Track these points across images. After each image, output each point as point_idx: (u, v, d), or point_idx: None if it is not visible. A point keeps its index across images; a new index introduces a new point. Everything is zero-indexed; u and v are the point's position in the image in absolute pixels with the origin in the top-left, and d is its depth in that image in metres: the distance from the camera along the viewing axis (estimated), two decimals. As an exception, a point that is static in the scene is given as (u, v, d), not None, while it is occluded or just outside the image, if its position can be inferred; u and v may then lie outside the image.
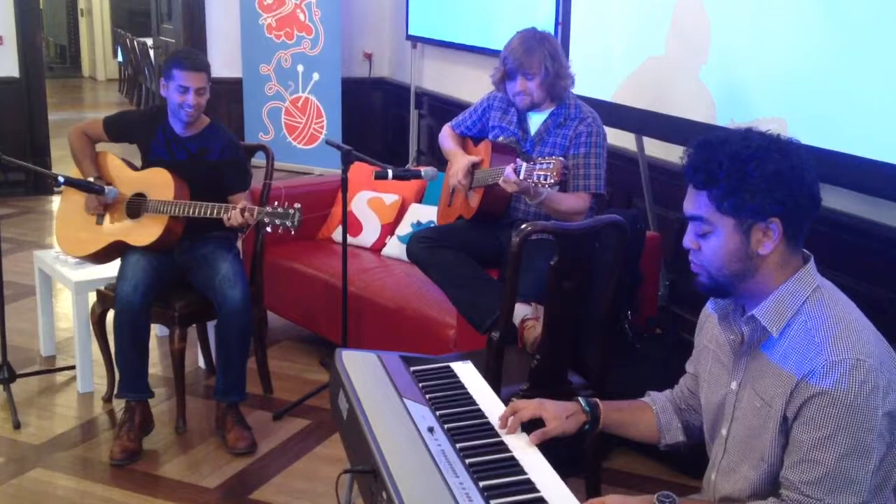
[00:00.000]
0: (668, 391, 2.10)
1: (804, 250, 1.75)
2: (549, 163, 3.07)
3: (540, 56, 3.43)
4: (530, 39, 3.47)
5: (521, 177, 3.12)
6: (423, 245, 3.56)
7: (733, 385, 1.82)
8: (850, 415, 1.59)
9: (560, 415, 1.96)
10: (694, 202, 1.74)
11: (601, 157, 3.47)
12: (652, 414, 2.06)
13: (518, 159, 3.28)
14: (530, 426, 1.93)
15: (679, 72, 3.75)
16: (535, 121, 3.56)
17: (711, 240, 1.72)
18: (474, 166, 3.57)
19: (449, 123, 3.86)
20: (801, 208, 1.68)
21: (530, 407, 1.94)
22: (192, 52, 3.65)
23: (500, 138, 3.60)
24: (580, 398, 2.02)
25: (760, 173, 1.65)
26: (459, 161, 3.62)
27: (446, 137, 3.83)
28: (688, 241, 1.77)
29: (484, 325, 3.25)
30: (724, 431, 1.84)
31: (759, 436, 1.73)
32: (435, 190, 4.35)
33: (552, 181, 3.06)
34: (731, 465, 1.81)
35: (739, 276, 1.72)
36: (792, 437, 1.66)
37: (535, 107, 3.52)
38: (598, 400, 2.03)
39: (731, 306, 1.83)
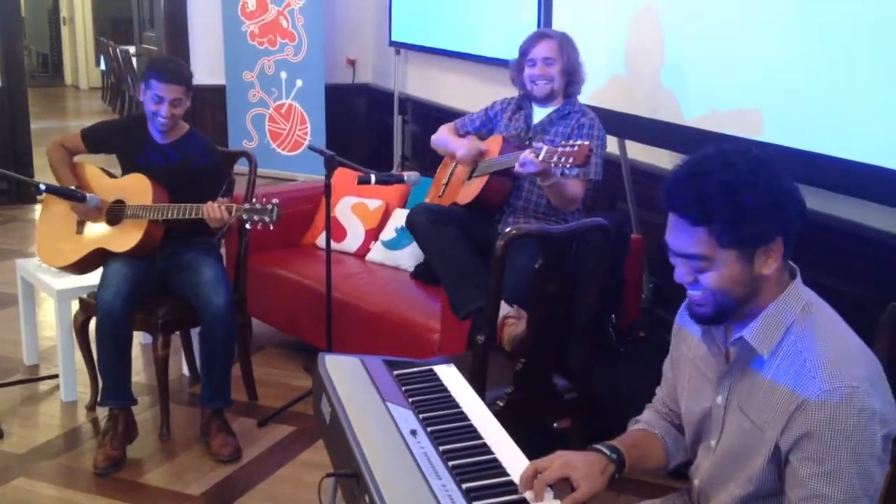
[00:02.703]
0: (652, 412, 2.04)
1: (790, 262, 1.71)
2: (575, 146, 3.12)
3: (558, 44, 3.56)
4: (548, 30, 3.69)
5: (541, 158, 3.15)
6: (428, 217, 3.57)
7: (718, 399, 1.78)
8: (853, 445, 1.55)
9: (592, 474, 1.77)
10: (687, 240, 1.65)
11: (600, 147, 3.54)
12: (659, 441, 1.98)
13: (536, 143, 3.32)
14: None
15: (655, 74, 3.77)
16: (539, 115, 3.64)
17: (711, 274, 1.65)
18: (482, 153, 3.64)
19: (449, 124, 3.91)
20: (796, 221, 1.64)
21: (555, 467, 1.72)
22: (173, 62, 3.62)
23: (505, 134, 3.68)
24: (601, 447, 1.85)
25: (756, 199, 1.59)
26: (465, 144, 3.69)
27: (446, 134, 3.86)
28: (682, 276, 1.69)
29: (465, 310, 3.26)
30: (712, 443, 1.81)
31: (748, 457, 1.69)
32: (419, 195, 4.35)
33: (573, 162, 3.12)
34: (717, 478, 1.78)
35: (744, 299, 1.66)
36: (793, 471, 1.61)
37: (552, 96, 3.60)
38: (616, 444, 1.87)
39: None
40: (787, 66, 3.07)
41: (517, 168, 3.25)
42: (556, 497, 1.69)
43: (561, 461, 1.75)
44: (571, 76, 3.60)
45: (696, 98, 3.57)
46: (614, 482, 1.85)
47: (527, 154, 3.20)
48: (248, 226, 3.29)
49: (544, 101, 3.61)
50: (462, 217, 3.62)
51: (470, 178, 3.68)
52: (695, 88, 3.57)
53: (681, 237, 1.66)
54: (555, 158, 3.13)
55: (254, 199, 3.30)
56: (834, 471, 1.56)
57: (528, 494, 1.68)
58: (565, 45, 3.58)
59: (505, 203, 3.60)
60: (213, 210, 3.28)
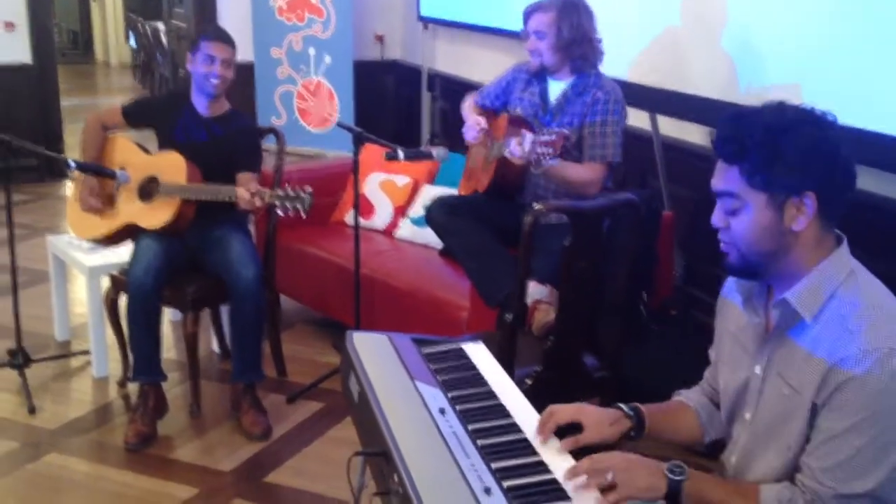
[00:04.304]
0: (695, 388, 2.03)
1: (837, 231, 1.69)
2: (552, 135, 3.05)
3: (552, 18, 3.41)
4: (545, 2, 3.47)
5: (526, 149, 3.09)
6: (444, 211, 3.55)
7: (757, 369, 1.76)
8: (880, 404, 1.54)
9: (601, 422, 1.84)
10: (723, 177, 1.66)
11: (618, 125, 3.42)
12: (693, 413, 1.97)
13: (524, 130, 3.25)
14: (569, 430, 1.82)
15: (693, 45, 3.70)
16: (555, 91, 3.53)
17: (742, 217, 1.64)
18: (487, 136, 3.57)
19: (472, 94, 3.85)
20: (837, 183, 1.62)
21: (568, 410, 1.82)
22: (220, 27, 3.67)
23: (518, 110, 3.58)
24: (621, 404, 1.90)
25: (795, 146, 1.58)
26: (468, 121, 3.65)
27: (466, 108, 3.81)
28: (717, 219, 1.70)
29: (494, 299, 3.23)
30: (747, 416, 1.80)
31: (785, 423, 1.68)
32: (447, 171, 4.33)
33: (551, 153, 3.04)
34: (755, 450, 1.77)
35: (772, 254, 1.65)
36: (817, 423, 1.61)
37: (546, 71, 3.50)
38: (639, 405, 1.92)
39: (755, 288, 1.77)
40: (828, 37, 3.00)
41: (507, 156, 3.21)
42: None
43: (575, 407, 1.84)
44: (570, 50, 3.42)
45: (732, 72, 3.50)
46: (632, 441, 1.88)
47: (513, 144, 3.16)
48: (279, 212, 3.21)
49: (550, 74, 3.51)
50: (482, 205, 3.57)
51: (488, 162, 3.63)
52: (731, 62, 3.50)
53: (718, 174, 1.67)
54: (536, 150, 3.05)
55: (287, 185, 3.21)
56: (853, 426, 1.55)
57: (536, 435, 1.76)
58: (565, 16, 3.40)
59: (528, 184, 3.54)
60: (245, 197, 3.24)
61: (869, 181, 3.13)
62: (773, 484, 1.68)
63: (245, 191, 3.25)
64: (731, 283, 1.89)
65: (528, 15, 3.51)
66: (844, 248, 1.67)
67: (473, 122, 3.61)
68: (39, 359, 3.94)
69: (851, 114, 2.81)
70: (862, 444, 1.55)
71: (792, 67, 3.17)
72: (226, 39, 3.55)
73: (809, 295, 1.64)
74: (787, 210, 1.62)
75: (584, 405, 1.86)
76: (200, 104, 3.60)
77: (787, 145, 1.59)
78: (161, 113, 3.66)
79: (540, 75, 3.56)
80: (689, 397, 2.01)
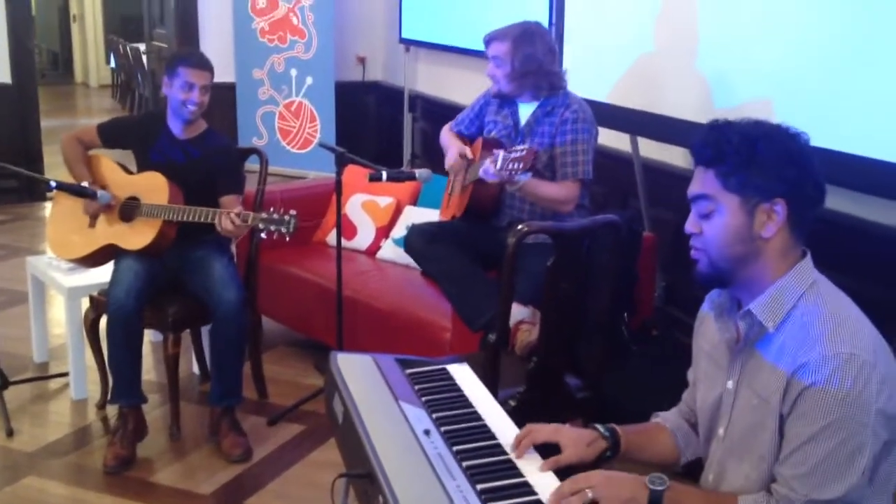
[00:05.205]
0: (673, 410, 2.07)
1: (803, 247, 1.74)
2: (521, 150, 3.10)
3: (507, 48, 3.44)
4: (510, 28, 3.51)
5: (498, 167, 3.14)
6: (423, 238, 3.56)
7: (729, 384, 1.80)
8: (842, 409, 1.57)
9: (579, 442, 1.88)
10: (699, 181, 1.72)
11: (589, 143, 3.45)
12: (669, 434, 2.01)
13: (495, 150, 3.28)
14: (547, 450, 1.86)
15: (669, 67, 3.73)
16: (524, 113, 3.56)
17: (715, 219, 1.70)
18: (464, 155, 3.60)
19: (448, 124, 3.87)
20: (807, 194, 1.69)
21: (546, 430, 1.87)
22: (197, 51, 3.66)
23: (493, 133, 3.61)
24: (597, 425, 1.94)
25: (771, 151, 1.66)
26: (452, 149, 3.66)
27: (445, 136, 3.84)
28: (690, 224, 1.76)
29: (476, 324, 3.24)
30: (721, 431, 1.83)
31: (757, 434, 1.71)
32: (430, 192, 4.34)
33: (521, 167, 3.09)
34: (730, 465, 1.79)
35: (740, 260, 1.70)
36: (785, 431, 1.65)
37: (505, 96, 3.54)
38: (615, 425, 1.95)
39: (726, 304, 1.81)
40: (798, 54, 3.03)
41: (481, 175, 3.25)
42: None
43: (553, 428, 1.88)
44: (524, 79, 3.44)
45: (706, 93, 3.53)
46: (608, 461, 1.90)
47: (487, 164, 3.20)
48: (263, 235, 3.22)
49: (514, 98, 3.54)
50: (461, 229, 3.58)
51: (464, 186, 3.64)
52: (705, 84, 3.53)
53: (695, 179, 1.74)
54: (509, 165, 3.10)
55: (272, 209, 3.21)
56: (819, 432, 1.59)
57: (513, 451, 1.80)
58: (518, 48, 3.41)
59: (505, 206, 3.55)
60: (227, 223, 3.23)
61: (840, 201, 3.17)
62: (751, 494, 1.70)
63: (227, 219, 3.23)
64: (705, 302, 1.92)
65: (487, 42, 3.55)
66: (808, 261, 1.73)
67: (457, 151, 3.62)
68: (17, 381, 3.90)
69: (822, 131, 2.85)
70: (829, 450, 1.58)
71: (763, 85, 3.21)
72: (204, 66, 3.54)
73: (772, 305, 1.69)
74: (758, 215, 1.68)
75: (561, 426, 1.91)
76: (176, 127, 3.59)
77: (764, 150, 1.66)
78: (136, 134, 3.65)
79: (510, 99, 3.59)
80: (666, 418, 2.05)
